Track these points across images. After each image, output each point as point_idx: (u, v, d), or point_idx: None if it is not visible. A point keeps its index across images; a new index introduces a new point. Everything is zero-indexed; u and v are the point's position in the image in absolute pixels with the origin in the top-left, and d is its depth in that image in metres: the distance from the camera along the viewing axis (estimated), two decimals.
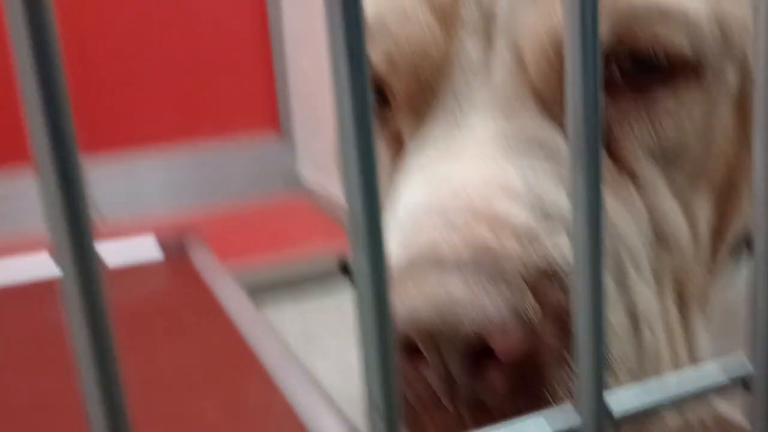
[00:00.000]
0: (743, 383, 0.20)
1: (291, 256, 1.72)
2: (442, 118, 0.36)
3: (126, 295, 1.36)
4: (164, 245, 1.49)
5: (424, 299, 0.28)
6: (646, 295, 0.33)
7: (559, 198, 0.32)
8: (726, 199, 0.37)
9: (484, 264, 0.28)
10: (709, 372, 0.19)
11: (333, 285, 1.76)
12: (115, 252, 1.46)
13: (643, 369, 0.32)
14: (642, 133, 0.35)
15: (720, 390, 0.20)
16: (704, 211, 0.36)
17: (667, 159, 0.35)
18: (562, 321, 0.28)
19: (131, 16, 1.97)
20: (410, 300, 0.28)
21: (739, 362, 0.20)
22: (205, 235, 1.60)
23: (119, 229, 1.63)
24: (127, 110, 2.01)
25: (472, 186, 0.32)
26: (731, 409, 0.74)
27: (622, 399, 0.18)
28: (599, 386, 0.17)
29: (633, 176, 0.35)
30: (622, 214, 0.34)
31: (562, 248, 0.30)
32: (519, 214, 0.31)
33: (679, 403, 0.19)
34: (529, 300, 0.28)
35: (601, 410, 0.17)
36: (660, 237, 0.34)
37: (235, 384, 1.04)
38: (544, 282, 0.29)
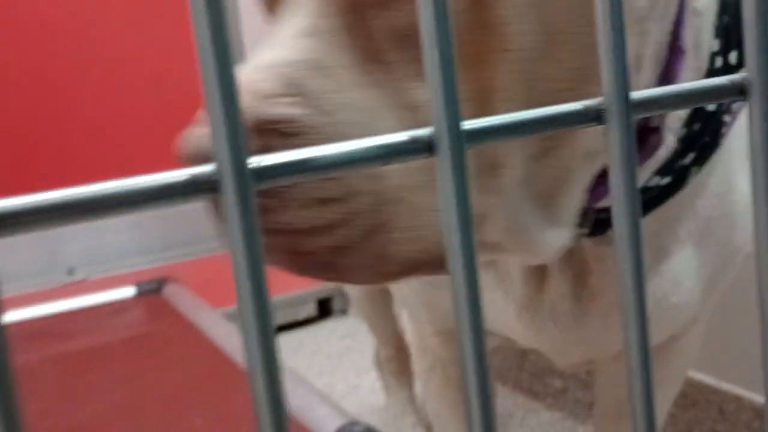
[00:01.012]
0: None
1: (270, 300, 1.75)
2: (277, 14, 0.43)
3: (107, 331, 1.39)
4: (141, 288, 1.53)
5: (185, 145, 0.39)
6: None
7: (321, 82, 0.39)
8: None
9: None
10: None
11: (313, 327, 1.80)
12: (96, 299, 1.51)
13: None
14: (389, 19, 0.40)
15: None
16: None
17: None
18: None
19: (108, 74, 2.01)
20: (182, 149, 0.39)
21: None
22: (183, 282, 1.63)
23: (99, 284, 1.67)
24: (103, 170, 2.05)
25: (254, 66, 0.40)
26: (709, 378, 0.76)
27: None
28: None
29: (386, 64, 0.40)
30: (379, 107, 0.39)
31: (294, 108, 0.38)
32: (268, 84, 0.38)
33: None
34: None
35: None
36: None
37: (223, 396, 1.06)
38: (265, 128, 0.37)
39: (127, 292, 1.58)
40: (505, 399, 1.34)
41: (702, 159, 0.53)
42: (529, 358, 1.33)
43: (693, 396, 1.04)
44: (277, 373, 0.22)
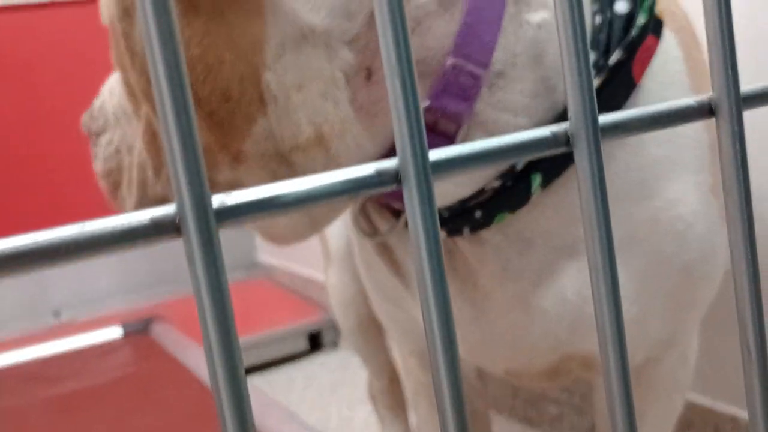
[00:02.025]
0: None
1: (259, 335, 1.74)
2: None
3: (94, 373, 1.38)
4: (128, 328, 1.52)
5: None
6: None
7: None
8: None
9: None
10: None
11: (304, 362, 1.79)
12: (83, 340, 1.50)
13: None
14: None
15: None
16: None
17: None
18: None
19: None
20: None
21: None
22: (169, 321, 1.62)
23: (87, 325, 1.65)
24: (88, 215, 2.05)
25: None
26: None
27: None
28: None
29: None
30: None
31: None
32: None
33: None
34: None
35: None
36: None
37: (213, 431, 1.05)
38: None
39: (114, 332, 1.57)
40: (500, 427, 1.33)
41: (548, 173, 0.53)
42: (523, 387, 1.32)
43: (688, 417, 1.04)
44: (246, 411, 0.21)
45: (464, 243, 0.58)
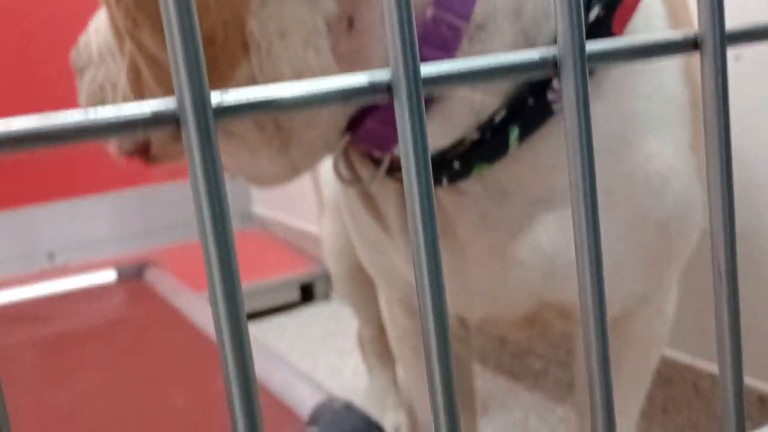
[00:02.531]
0: None
1: (252, 285, 1.76)
2: None
3: (87, 315, 1.40)
4: (123, 272, 1.54)
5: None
6: None
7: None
8: None
9: None
10: None
11: (296, 312, 1.81)
12: (77, 282, 1.52)
13: None
14: None
15: None
16: None
17: None
18: None
19: None
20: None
21: None
22: (163, 267, 1.63)
23: (81, 268, 1.67)
24: (83, 160, 2.06)
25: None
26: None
27: None
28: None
29: None
30: None
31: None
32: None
33: None
34: None
35: None
36: None
37: (205, 378, 1.07)
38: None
39: (108, 276, 1.58)
40: (486, 381, 1.36)
41: (527, 124, 0.54)
42: (509, 340, 1.34)
43: (668, 374, 1.06)
44: (240, 316, 0.22)
45: (444, 193, 0.59)
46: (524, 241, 0.59)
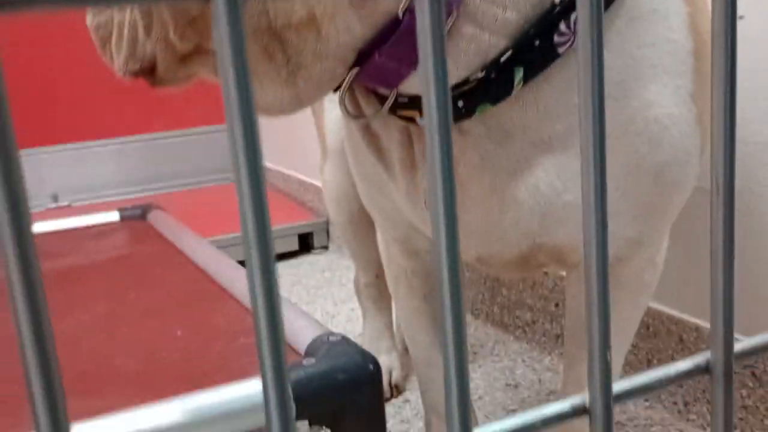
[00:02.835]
0: None
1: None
2: None
3: (90, 251, 1.42)
4: (126, 213, 1.56)
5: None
6: None
7: None
8: None
9: None
10: None
11: (293, 261, 1.84)
12: (81, 221, 1.54)
13: None
14: None
15: None
16: None
17: None
18: None
19: None
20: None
21: None
22: (166, 210, 1.65)
23: (83, 210, 1.69)
24: (90, 105, 2.07)
25: None
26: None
27: None
28: None
29: None
30: None
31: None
32: None
33: None
34: None
35: None
36: None
37: (205, 311, 1.09)
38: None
39: (112, 216, 1.60)
40: (476, 330, 1.39)
41: (532, 66, 0.55)
42: (501, 293, 1.37)
43: (655, 327, 1.09)
44: (268, 241, 0.25)
45: None
46: (523, 182, 0.61)
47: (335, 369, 0.81)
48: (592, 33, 0.28)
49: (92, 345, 1.04)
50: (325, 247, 1.90)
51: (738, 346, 0.31)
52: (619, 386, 0.29)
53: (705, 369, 0.30)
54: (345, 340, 0.89)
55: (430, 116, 0.25)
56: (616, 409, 1.10)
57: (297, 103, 0.58)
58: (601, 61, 0.28)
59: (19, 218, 0.19)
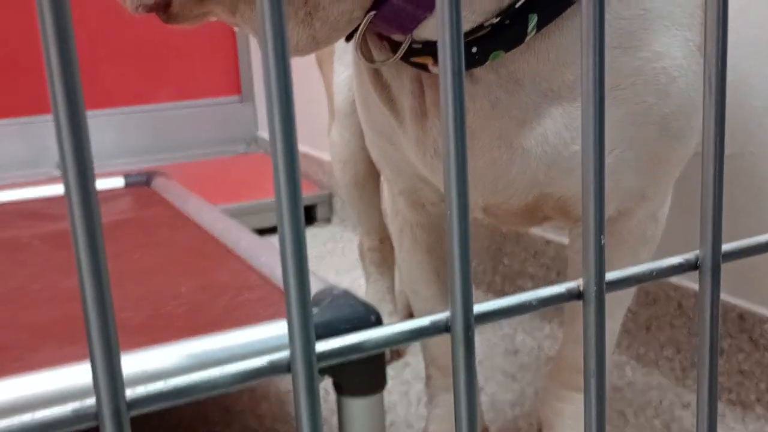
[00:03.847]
0: None
1: (256, 202, 1.79)
2: None
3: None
4: (131, 179, 1.58)
5: None
6: None
7: None
8: None
9: None
10: None
11: None
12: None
13: None
14: None
15: None
16: None
17: None
18: None
19: None
20: None
21: None
22: (170, 177, 1.67)
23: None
24: (100, 75, 2.08)
25: None
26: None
27: None
28: None
29: None
30: None
31: None
32: None
33: None
34: None
35: None
36: None
37: (209, 269, 1.11)
38: None
39: (116, 182, 1.62)
40: (477, 300, 1.40)
41: (546, 13, 0.56)
42: (503, 262, 1.38)
43: (654, 293, 1.10)
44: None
45: None
46: (531, 131, 0.62)
47: (338, 319, 0.82)
48: None
49: None
50: (328, 220, 1.91)
51: (725, 246, 0.32)
52: (612, 275, 0.30)
53: (695, 265, 0.31)
54: (348, 293, 0.91)
55: (444, 59, 0.26)
56: (614, 374, 1.11)
57: (313, 44, 0.58)
58: (602, 13, 0.29)
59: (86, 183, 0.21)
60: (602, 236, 0.28)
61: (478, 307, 0.26)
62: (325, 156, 1.77)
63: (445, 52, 0.26)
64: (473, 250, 1.43)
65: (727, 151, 0.97)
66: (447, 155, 0.27)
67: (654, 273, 0.30)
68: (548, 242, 1.28)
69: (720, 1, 0.31)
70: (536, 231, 1.31)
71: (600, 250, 0.28)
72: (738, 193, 0.96)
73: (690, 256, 0.31)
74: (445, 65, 0.26)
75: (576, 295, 0.29)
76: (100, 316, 0.22)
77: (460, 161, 0.27)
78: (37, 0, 0.19)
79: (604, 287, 0.29)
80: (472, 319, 0.26)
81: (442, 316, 0.26)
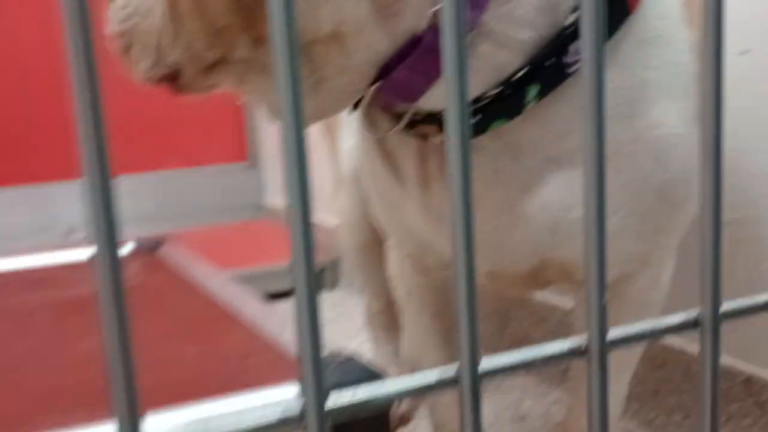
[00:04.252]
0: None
1: (264, 268, 1.81)
2: None
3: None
4: (139, 245, 1.59)
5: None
6: None
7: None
8: None
9: None
10: None
11: None
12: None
13: None
14: None
15: None
16: None
17: None
18: None
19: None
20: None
21: None
22: (179, 244, 1.68)
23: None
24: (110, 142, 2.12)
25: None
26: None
27: None
28: None
29: None
30: None
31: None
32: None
33: None
34: None
35: None
36: None
37: (214, 335, 1.11)
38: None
39: (125, 248, 1.63)
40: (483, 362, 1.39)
41: (545, 84, 0.58)
42: (509, 327, 1.38)
43: (662, 357, 1.10)
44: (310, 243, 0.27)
45: None
46: (534, 197, 0.63)
47: (345, 382, 0.83)
48: (595, 57, 0.31)
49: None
50: (335, 285, 1.92)
51: (725, 306, 0.33)
52: (614, 332, 0.31)
53: (695, 324, 0.32)
54: (354, 357, 0.91)
55: (451, 129, 0.27)
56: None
57: (317, 114, 0.60)
58: (602, 84, 0.30)
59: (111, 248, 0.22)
60: (604, 293, 0.29)
61: (485, 362, 0.27)
62: (332, 221, 1.79)
63: (452, 121, 0.28)
64: (479, 315, 1.42)
65: (728, 217, 0.99)
66: (454, 219, 0.28)
67: (655, 331, 0.31)
68: (553, 308, 1.28)
69: (714, 65, 0.33)
70: (542, 296, 1.31)
71: (602, 307, 0.29)
72: (741, 259, 0.97)
73: (690, 314, 0.32)
74: (452, 137, 0.27)
75: (579, 352, 0.30)
76: (124, 379, 0.23)
77: (466, 220, 0.28)
78: (73, 71, 0.21)
79: (606, 344, 0.29)
80: (478, 371, 0.27)
81: (449, 369, 0.27)
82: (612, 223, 0.64)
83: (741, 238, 0.97)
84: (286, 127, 0.25)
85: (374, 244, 1.16)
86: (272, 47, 0.25)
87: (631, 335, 0.31)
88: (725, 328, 0.31)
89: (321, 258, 1.90)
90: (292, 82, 0.24)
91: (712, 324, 0.31)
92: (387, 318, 1.24)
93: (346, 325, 1.65)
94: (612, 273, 0.69)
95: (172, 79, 0.62)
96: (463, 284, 0.27)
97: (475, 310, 0.27)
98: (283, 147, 0.25)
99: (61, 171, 2.01)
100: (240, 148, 2.29)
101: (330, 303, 1.81)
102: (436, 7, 0.55)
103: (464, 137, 0.27)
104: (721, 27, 0.33)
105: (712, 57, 0.32)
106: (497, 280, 0.75)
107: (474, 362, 0.27)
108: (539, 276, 0.72)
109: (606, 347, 0.30)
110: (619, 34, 0.60)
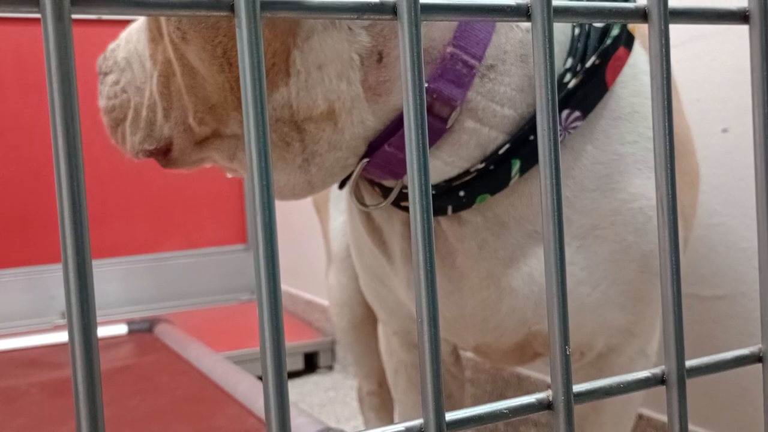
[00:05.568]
0: None
1: (256, 350, 1.80)
2: None
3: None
4: (134, 326, 1.59)
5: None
6: None
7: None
8: None
9: None
10: None
11: (299, 380, 1.85)
12: None
13: None
14: None
15: None
16: None
17: None
18: None
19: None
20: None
21: None
22: (173, 324, 1.68)
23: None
24: (100, 224, 2.14)
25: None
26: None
27: None
28: None
29: None
30: None
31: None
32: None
33: None
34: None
35: None
36: None
37: (208, 414, 1.10)
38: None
39: (119, 330, 1.63)
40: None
41: (528, 159, 0.59)
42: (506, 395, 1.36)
43: (641, 429, 1.08)
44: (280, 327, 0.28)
45: (446, 222, 0.64)
46: (518, 271, 0.64)
47: None
48: (551, 155, 0.32)
49: None
50: (330, 367, 1.90)
51: (690, 362, 0.33)
52: (580, 386, 0.31)
53: (661, 380, 0.32)
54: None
55: (414, 203, 0.28)
56: None
57: (309, 189, 0.61)
58: (558, 175, 0.32)
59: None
60: (567, 347, 0.30)
61: (451, 415, 0.28)
62: (327, 302, 1.79)
63: (414, 198, 0.29)
64: (475, 395, 1.41)
65: (718, 292, 0.98)
66: (417, 273, 0.29)
67: (622, 386, 0.31)
68: (549, 387, 1.27)
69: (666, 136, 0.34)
70: (537, 375, 1.30)
71: (566, 360, 0.30)
72: (733, 333, 0.97)
73: (656, 370, 0.32)
74: (414, 210, 0.28)
75: (546, 405, 0.30)
76: None
77: (427, 271, 0.28)
78: (54, 157, 0.22)
79: (572, 397, 0.30)
80: (444, 424, 0.27)
81: (415, 422, 0.27)
82: (596, 293, 0.64)
83: (730, 313, 0.97)
84: (256, 206, 0.26)
85: (365, 323, 1.15)
86: (245, 130, 0.26)
87: (597, 389, 0.31)
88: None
89: (316, 339, 1.89)
90: (264, 165, 0.25)
91: (678, 379, 0.31)
92: (379, 399, 1.22)
93: (342, 407, 1.63)
94: (599, 344, 0.69)
95: (163, 153, 0.63)
96: (426, 337, 0.28)
97: (439, 364, 0.28)
98: (251, 226, 0.26)
99: (58, 254, 2.02)
100: (239, 231, 2.31)
101: (325, 385, 1.79)
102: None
103: (427, 213, 0.28)
104: (666, 91, 0.34)
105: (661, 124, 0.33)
106: (484, 354, 0.74)
107: (440, 414, 0.27)
108: (527, 348, 0.71)
109: (572, 400, 0.30)
110: (596, 111, 0.61)
